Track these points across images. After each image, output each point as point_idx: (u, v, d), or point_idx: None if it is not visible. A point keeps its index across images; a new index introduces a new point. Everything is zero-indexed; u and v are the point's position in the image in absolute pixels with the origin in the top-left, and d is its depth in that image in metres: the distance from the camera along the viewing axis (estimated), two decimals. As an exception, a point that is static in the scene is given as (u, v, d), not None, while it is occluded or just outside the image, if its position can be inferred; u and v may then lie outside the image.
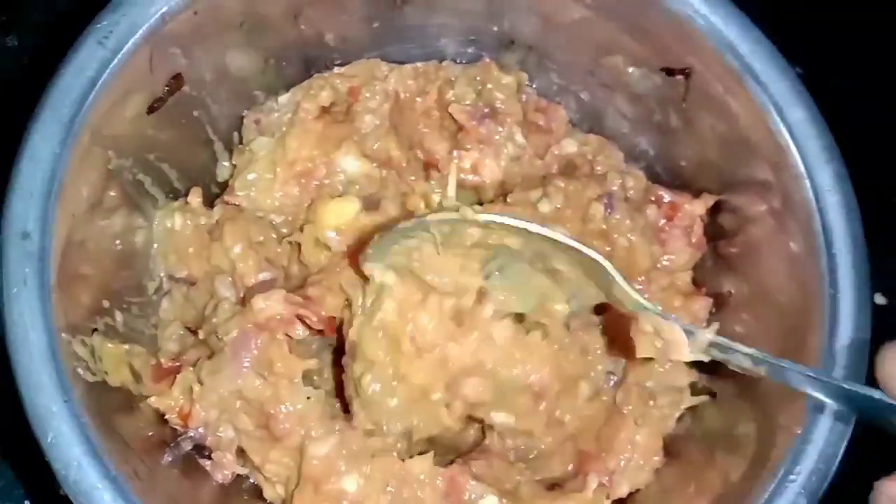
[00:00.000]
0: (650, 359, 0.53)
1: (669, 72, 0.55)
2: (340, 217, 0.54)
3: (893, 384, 0.39)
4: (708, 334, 0.45)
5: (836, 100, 0.52)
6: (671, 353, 0.46)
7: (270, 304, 0.50)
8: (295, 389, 0.49)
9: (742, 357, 0.44)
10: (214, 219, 0.56)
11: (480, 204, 0.58)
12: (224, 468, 0.50)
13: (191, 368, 0.50)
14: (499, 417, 0.52)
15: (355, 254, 0.52)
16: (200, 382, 0.49)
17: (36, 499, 0.60)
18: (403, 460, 0.49)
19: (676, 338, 0.45)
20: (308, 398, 0.49)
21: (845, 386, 0.41)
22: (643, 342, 0.46)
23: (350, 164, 0.56)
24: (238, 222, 0.55)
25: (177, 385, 0.50)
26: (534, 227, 0.46)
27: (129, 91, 0.49)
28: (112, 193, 0.50)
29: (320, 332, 0.53)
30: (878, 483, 0.39)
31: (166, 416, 0.50)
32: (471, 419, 0.53)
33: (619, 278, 0.46)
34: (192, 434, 0.49)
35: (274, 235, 0.57)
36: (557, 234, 0.46)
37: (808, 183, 0.49)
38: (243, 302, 0.53)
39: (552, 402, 0.52)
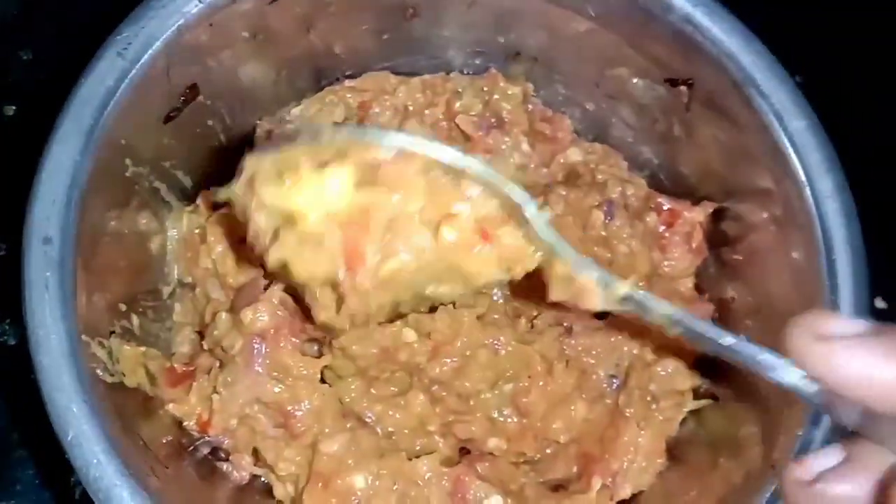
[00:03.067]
0: (652, 363, 0.55)
1: (673, 82, 0.56)
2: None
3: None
4: (624, 288, 0.41)
5: (834, 108, 0.54)
6: (584, 301, 0.42)
7: (259, 317, 0.51)
8: (313, 388, 0.50)
9: (659, 316, 0.40)
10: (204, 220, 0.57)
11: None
12: (242, 469, 0.51)
13: (206, 376, 0.51)
14: (491, 443, 0.53)
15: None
16: (217, 392, 0.50)
17: (57, 495, 0.61)
18: (410, 459, 0.50)
19: (588, 285, 0.42)
20: (323, 394, 0.50)
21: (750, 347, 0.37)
22: (556, 286, 0.43)
23: None
24: (221, 223, 0.56)
25: (193, 393, 0.51)
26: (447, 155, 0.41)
27: (147, 101, 0.51)
28: (129, 200, 0.52)
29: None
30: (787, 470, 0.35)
31: (184, 423, 0.51)
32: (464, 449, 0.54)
33: (531, 208, 0.42)
34: (209, 439, 0.50)
35: None
36: (469, 160, 0.41)
37: (808, 191, 0.50)
38: (232, 306, 0.54)
39: (542, 421, 0.53)
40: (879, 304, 0.61)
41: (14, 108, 0.69)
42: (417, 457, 0.50)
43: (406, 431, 0.52)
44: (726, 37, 0.53)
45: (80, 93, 0.48)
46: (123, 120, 0.49)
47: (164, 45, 0.50)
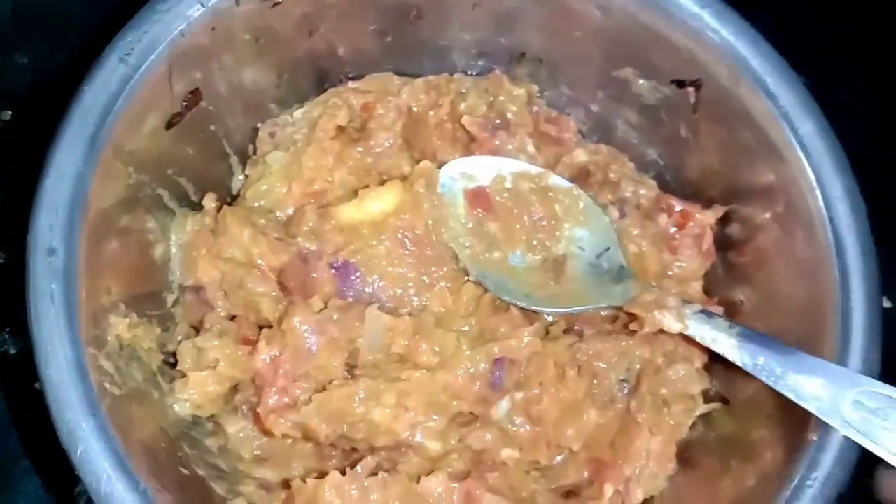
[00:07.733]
0: (663, 367, 0.55)
1: (680, 84, 0.56)
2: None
3: None
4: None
5: (841, 108, 0.53)
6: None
7: None
8: None
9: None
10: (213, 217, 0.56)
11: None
12: None
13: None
14: (504, 453, 0.52)
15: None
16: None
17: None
18: (417, 480, 0.49)
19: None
20: None
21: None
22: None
23: None
24: (237, 212, 0.55)
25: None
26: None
27: (150, 107, 0.50)
28: (132, 208, 0.51)
29: None
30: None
31: None
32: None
33: None
34: None
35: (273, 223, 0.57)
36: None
37: (818, 193, 0.50)
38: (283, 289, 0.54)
39: (555, 429, 0.53)
40: (886, 303, 0.61)
41: (10, 113, 0.68)
42: (428, 474, 0.49)
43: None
44: (735, 39, 0.52)
45: (83, 100, 0.47)
46: (126, 127, 0.48)
47: (166, 50, 0.49)
